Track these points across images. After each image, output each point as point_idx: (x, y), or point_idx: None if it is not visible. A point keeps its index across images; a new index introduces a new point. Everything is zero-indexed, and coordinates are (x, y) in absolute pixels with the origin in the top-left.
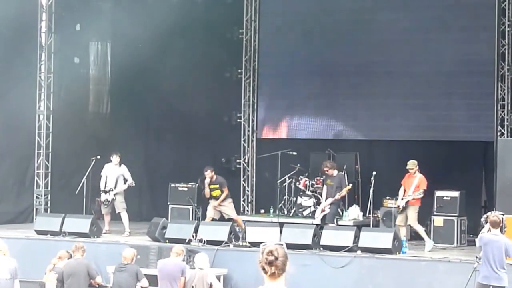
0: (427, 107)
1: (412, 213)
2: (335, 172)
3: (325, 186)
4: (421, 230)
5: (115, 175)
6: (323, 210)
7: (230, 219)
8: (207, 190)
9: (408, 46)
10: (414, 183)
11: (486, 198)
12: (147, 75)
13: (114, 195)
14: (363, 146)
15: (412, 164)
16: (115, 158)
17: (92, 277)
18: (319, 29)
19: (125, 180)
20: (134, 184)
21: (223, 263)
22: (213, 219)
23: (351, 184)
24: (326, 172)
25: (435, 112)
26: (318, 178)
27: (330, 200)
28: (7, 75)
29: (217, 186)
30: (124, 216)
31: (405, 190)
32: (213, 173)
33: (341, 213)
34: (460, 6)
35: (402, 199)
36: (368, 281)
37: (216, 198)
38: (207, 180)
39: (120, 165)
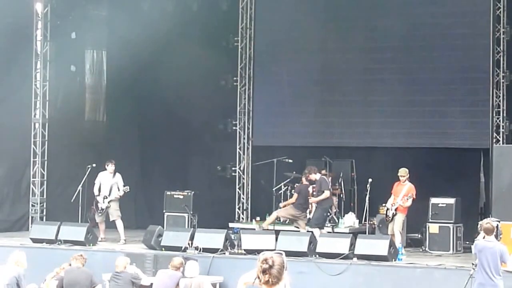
0: (423, 114)
1: (399, 220)
2: (317, 176)
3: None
4: (398, 239)
5: (109, 183)
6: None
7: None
8: None
9: (404, 53)
10: (403, 191)
11: (483, 205)
12: (143, 83)
13: (109, 202)
14: (359, 153)
15: (403, 172)
16: (110, 167)
17: (94, 286)
18: (314, 36)
19: (119, 189)
20: (128, 190)
21: (219, 270)
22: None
23: (327, 191)
24: (309, 179)
25: (431, 119)
26: (314, 185)
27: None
28: (2, 83)
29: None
30: (119, 224)
31: (394, 199)
32: (305, 177)
33: (336, 220)
34: (456, 14)
35: (391, 208)
36: None
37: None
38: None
39: (114, 174)
